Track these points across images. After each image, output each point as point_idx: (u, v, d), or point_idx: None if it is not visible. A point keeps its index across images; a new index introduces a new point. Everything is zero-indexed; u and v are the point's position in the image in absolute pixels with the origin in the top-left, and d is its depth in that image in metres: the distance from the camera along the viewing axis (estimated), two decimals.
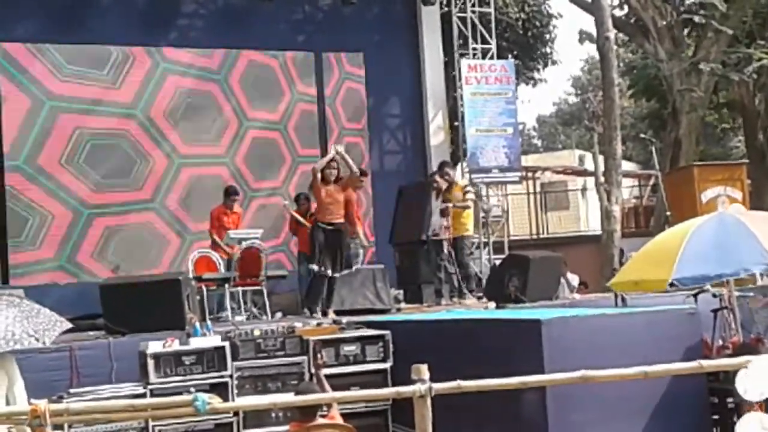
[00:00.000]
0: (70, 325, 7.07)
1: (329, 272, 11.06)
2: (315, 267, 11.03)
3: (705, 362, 4.80)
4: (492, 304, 11.82)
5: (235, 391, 8.43)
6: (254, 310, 12.53)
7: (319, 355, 8.02)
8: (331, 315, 10.82)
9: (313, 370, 8.25)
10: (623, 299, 10.34)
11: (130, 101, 14.79)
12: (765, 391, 4.32)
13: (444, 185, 12.77)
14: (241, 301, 12.43)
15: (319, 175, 11.08)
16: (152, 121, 14.89)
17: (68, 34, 14.32)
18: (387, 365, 8.93)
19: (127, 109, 14.76)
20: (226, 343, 8.52)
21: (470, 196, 12.80)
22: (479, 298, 12.57)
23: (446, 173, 12.84)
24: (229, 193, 13.22)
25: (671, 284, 8.06)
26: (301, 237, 12.90)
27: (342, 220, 11.27)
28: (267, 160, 15.60)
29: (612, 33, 16.60)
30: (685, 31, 20.12)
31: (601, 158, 17.71)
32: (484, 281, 15.03)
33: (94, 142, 14.50)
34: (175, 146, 15.05)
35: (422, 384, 4.28)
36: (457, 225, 12.82)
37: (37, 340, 6.51)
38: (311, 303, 11.17)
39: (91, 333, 9.91)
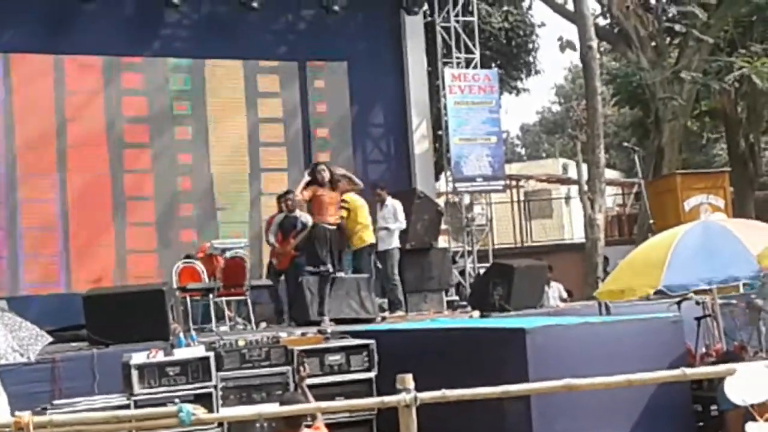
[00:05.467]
0: (51, 339, 7.05)
1: (330, 269, 11.42)
2: (324, 267, 11.35)
3: (688, 370, 4.82)
4: (476, 313, 11.84)
5: (220, 402, 8.40)
6: (239, 320, 12.51)
7: (301, 368, 7.97)
8: (327, 321, 10.90)
9: (296, 386, 8.22)
10: (607, 308, 10.38)
11: (110, 110, 14.75)
12: (748, 398, 4.33)
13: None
14: (226, 311, 12.40)
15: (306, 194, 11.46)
16: (131, 131, 14.86)
17: (52, 44, 14.28)
18: (372, 375, 8.92)
19: (109, 118, 14.72)
20: (211, 354, 8.50)
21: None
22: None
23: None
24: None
25: (658, 291, 8.12)
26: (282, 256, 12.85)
27: (339, 221, 11.73)
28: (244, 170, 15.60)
29: (595, 42, 16.65)
30: (668, 40, 20.21)
31: (584, 166, 17.78)
32: (468, 290, 15.08)
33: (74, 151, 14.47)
34: (157, 155, 15.02)
35: (407, 393, 4.28)
36: (351, 237, 12.66)
37: (22, 355, 6.49)
38: (320, 307, 11.35)
39: (74, 344, 9.88)
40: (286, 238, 12.56)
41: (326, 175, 11.68)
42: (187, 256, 13.21)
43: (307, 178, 12.01)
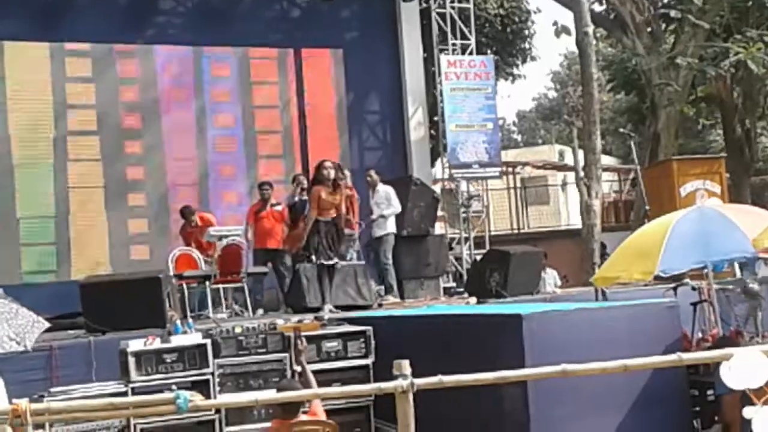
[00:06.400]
0: (48, 325, 7.04)
1: (329, 261, 11.14)
2: (316, 259, 11.11)
3: (684, 355, 4.81)
4: (473, 299, 11.85)
5: (217, 389, 8.41)
6: (235, 307, 12.51)
7: (299, 341, 7.88)
8: (329, 308, 10.84)
9: (294, 361, 8.16)
10: (603, 293, 10.38)
11: (107, 98, 14.72)
12: (744, 383, 4.33)
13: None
14: (223, 298, 12.40)
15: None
16: (129, 117, 14.83)
17: (47, 33, 14.23)
18: (369, 361, 8.93)
19: (104, 106, 14.70)
20: (208, 341, 8.50)
21: None
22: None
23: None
24: (184, 214, 13.33)
25: (655, 277, 8.13)
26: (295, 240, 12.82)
27: (335, 215, 11.32)
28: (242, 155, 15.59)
29: (591, 28, 16.62)
30: (663, 25, 20.18)
31: (580, 153, 17.77)
32: (464, 276, 15.10)
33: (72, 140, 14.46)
34: (152, 143, 15.01)
35: (404, 379, 4.28)
36: None
37: (18, 343, 6.49)
38: (322, 297, 11.18)
39: (71, 332, 9.87)
40: (296, 222, 12.49)
41: (332, 173, 11.19)
42: (183, 211, 13.30)
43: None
